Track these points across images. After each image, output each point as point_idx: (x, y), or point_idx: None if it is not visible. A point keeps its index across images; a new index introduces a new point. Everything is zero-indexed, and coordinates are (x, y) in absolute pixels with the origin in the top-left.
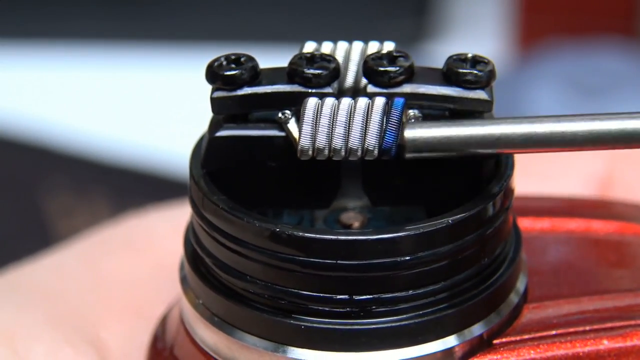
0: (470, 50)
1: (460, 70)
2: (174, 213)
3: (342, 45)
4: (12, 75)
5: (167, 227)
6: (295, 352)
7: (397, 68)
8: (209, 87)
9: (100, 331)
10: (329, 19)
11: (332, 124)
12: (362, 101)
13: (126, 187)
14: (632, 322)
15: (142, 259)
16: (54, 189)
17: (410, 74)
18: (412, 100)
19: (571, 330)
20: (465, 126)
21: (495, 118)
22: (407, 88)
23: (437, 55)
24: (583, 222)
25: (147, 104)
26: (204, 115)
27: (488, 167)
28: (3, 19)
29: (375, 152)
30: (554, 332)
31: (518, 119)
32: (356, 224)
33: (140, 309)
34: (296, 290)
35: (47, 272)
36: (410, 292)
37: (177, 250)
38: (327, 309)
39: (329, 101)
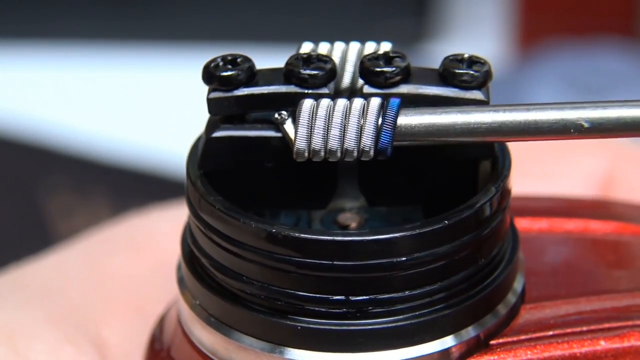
0: (470, 50)
1: (457, 71)
2: (176, 213)
3: (339, 45)
4: (12, 75)
5: (168, 227)
6: (291, 352)
7: (394, 68)
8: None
9: (102, 330)
10: (327, 20)
11: (328, 126)
12: (358, 102)
13: (126, 187)
14: (630, 323)
15: (144, 258)
16: (54, 189)
17: (407, 75)
18: (408, 100)
19: (568, 330)
20: (441, 114)
21: (472, 107)
22: (403, 88)
23: (436, 55)
24: (581, 222)
25: (147, 104)
26: (204, 116)
27: (485, 167)
28: (3, 19)
29: (371, 152)
30: (551, 333)
31: (494, 107)
32: (353, 225)
33: (141, 308)
34: (293, 291)
35: (49, 271)
36: (407, 292)
37: (178, 250)
38: (323, 309)
39: (325, 102)
